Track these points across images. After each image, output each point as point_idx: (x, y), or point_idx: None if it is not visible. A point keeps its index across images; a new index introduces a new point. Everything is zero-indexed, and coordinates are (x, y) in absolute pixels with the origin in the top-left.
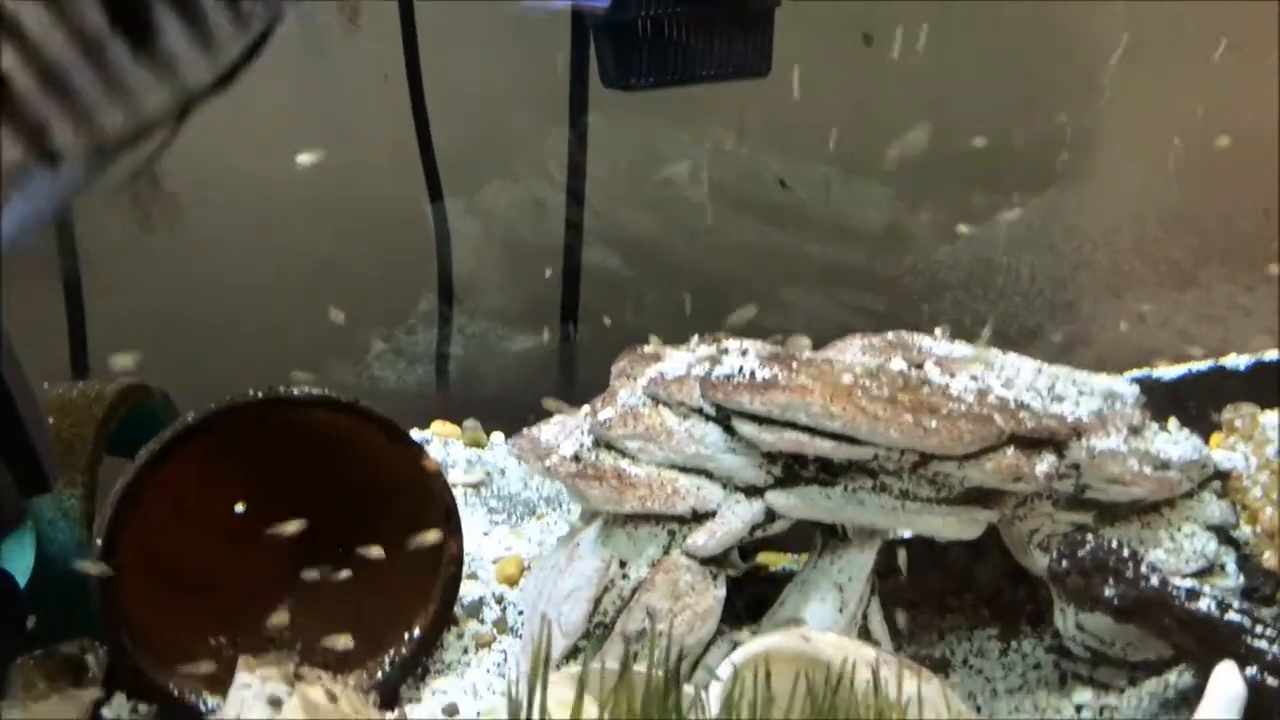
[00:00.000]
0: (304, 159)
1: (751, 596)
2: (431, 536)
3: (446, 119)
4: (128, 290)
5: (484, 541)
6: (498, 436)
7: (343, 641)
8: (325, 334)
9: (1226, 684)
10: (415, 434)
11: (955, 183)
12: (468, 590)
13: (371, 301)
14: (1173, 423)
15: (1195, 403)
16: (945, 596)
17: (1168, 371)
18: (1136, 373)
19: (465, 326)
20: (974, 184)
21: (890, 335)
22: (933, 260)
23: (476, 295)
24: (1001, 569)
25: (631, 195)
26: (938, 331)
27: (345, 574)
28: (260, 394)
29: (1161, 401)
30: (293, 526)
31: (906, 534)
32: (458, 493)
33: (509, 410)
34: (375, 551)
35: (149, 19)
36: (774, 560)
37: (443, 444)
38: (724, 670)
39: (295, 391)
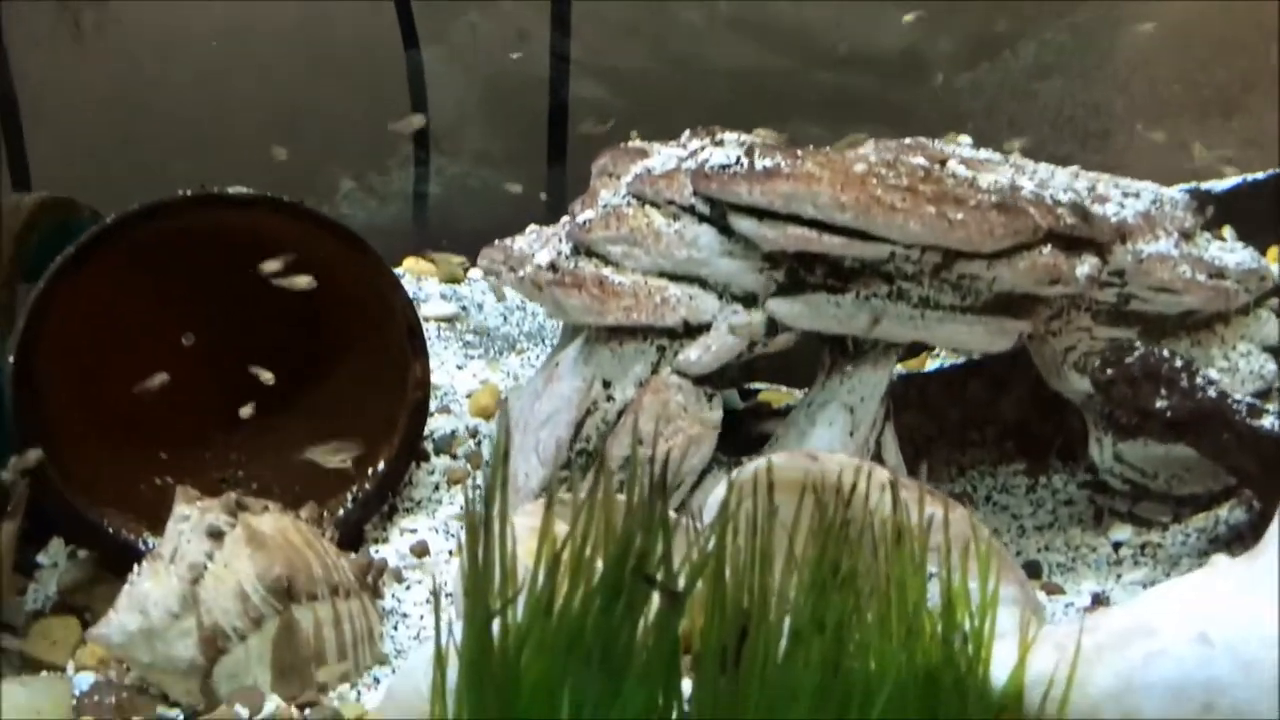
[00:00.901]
0: None
1: (752, 433)
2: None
3: None
4: (78, 124)
5: (458, 375)
6: (476, 273)
7: (336, 458)
8: (292, 173)
9: None
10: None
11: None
12: (439, 424)
13: (342, 141)
14: (1228, 230)
15: (1252, 215)
16: (966, 430)
17: (1220, 183)
18: (1183, 186)
19: (445, 168)
20: (998, 5)
21: (908, 140)
22: (953, 88)
23: (456, 137)
24: (1028, 401)
25: (623, 22)
26: (961, 138)
27: (297, 404)
28: (189, 193)
29: (1214, 215)
30: (266, 376)
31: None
32: (430, 327)
33: None
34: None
35: None
36: (777, 399)
37: (416, 280)
38: (719, 489)
39: (230, 191)
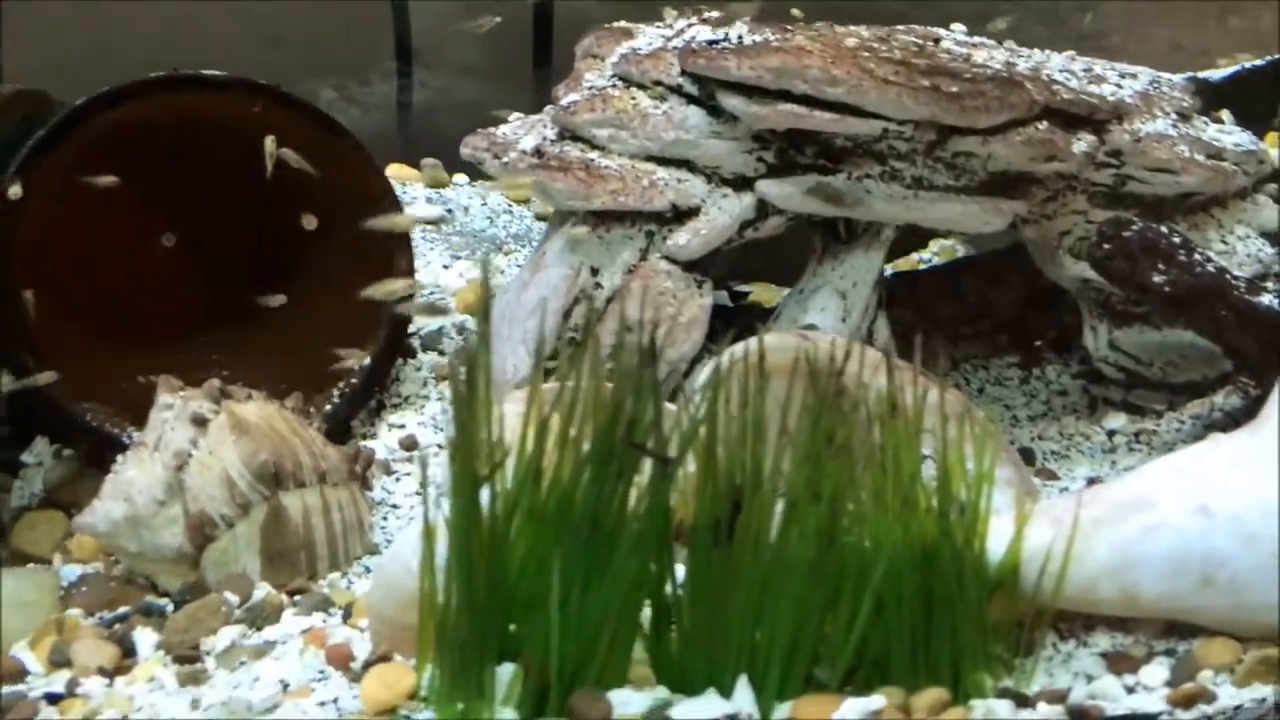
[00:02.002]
0: None
1: (744, 326)
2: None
3: None
4: (52, 24)
5: (444, 275)
6: (461, 179)
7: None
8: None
9: None
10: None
11: None
12: (426, 322)
13: (323, 52)
14: (1225, 114)
15: (1250, 103)
16: (959, 324)
17: (1217, 71)
18: (1181, 75)
19: (427, 80)
20: None
21: (900, 27)
22: None
23: (438, 48)
24: (1021, 295)
25: None
26: (955, 26)
27: (278, 299)
28: (160, 75)
29: (1211, 103)
30: (277, 299)
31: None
32: (417, 230)
33: None
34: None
35: None
36: (767, 299)
37: (401, 186)
38: (709, 365)
39: (202, 72)
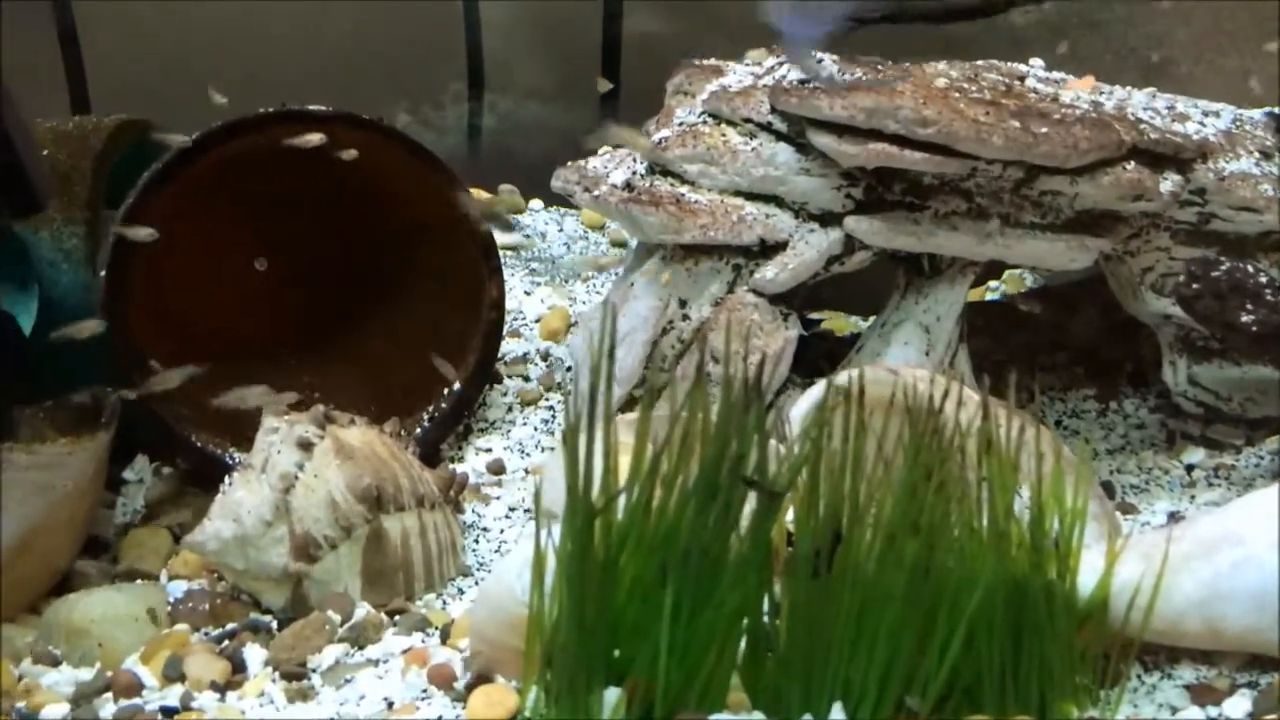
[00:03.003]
0: None
1: (822, 352)
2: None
3: None
4: (132, 56)
5: (526, 301)
6: (537, 204)
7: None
8: (349, 106)
9: None
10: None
11: None
12: (511, 348)
13: (398, 76)
14: None
15: None
16: (1036, 355)
17: None
18: (1263, 110)
19: (496, 103)
20: None
21: (981, 63)
22: (1009, 20)
23: (508, 73)
24: (1098, 326)
25: None
26: (1033, 61)
27: (373, 324)
28: (270, 110)
29: None
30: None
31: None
32: None
33: (548, 181)
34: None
35: None
36: (840, 327)
37: None
38: (808, 397)
39: (309, 108)
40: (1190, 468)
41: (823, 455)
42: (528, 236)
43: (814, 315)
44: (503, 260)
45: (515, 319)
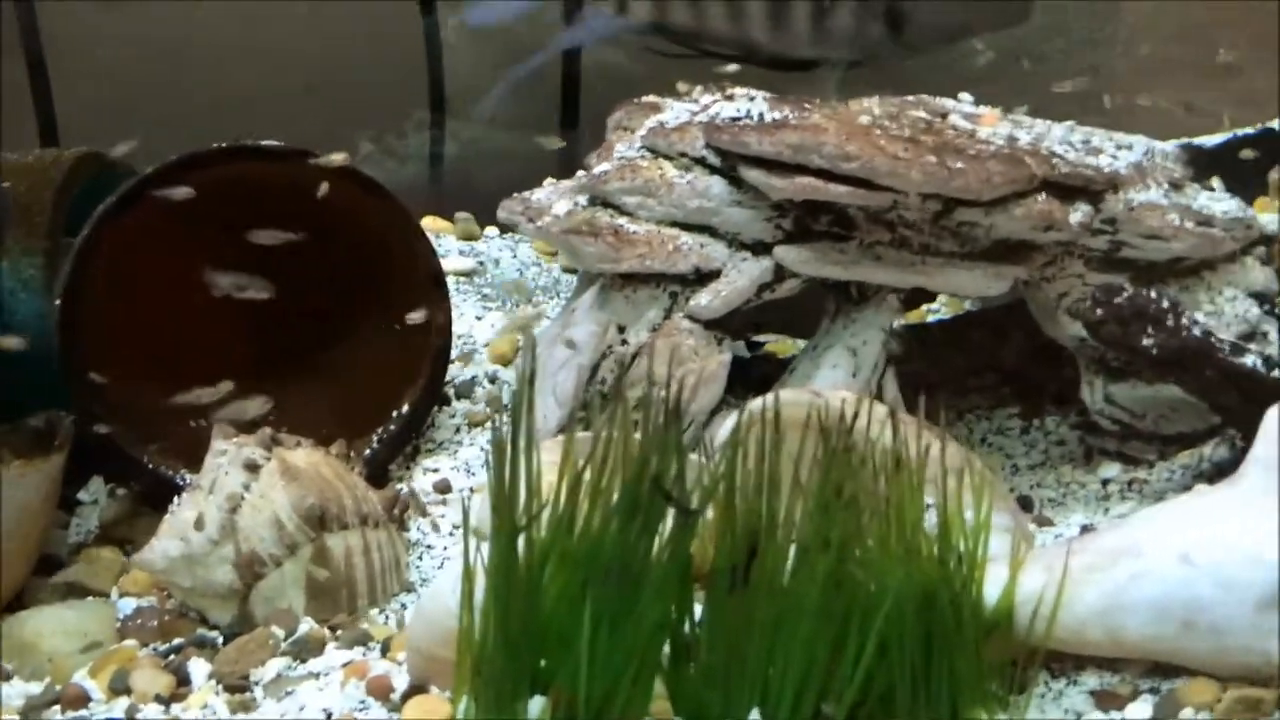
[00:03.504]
0: None
1: (760, 376)
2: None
3: None
4: (104, 85)
5: (477, 326)
6: (492, 231)
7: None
8: (313, 135)
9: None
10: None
11: None
12: (460, 371)
13: (362, 105)
14: (1216, 181)
15: (1242, 169)
16: (966, 377)
17: (1211, 138)
18: (1176, 142)
19: (459, 132)
20: None
21: (910, 97)
22: (954, 54)
23: (471, 101)
24: (1025, 349)
25: None
26: (962, 96)
27: (326, 351)
28: (224, 145)
29: (1205, 168)
30: (261, 291)
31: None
32: (450, 281)
33: None
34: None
35: None
36: (783, 350)
37: (434, 238)
38: (730, 419)
39: (264, 142)
40: (1106, 482)
41: (738, 474)
42: (481, 263)
43: (759, 338)
44: (456, 286)
45: (466, 343)
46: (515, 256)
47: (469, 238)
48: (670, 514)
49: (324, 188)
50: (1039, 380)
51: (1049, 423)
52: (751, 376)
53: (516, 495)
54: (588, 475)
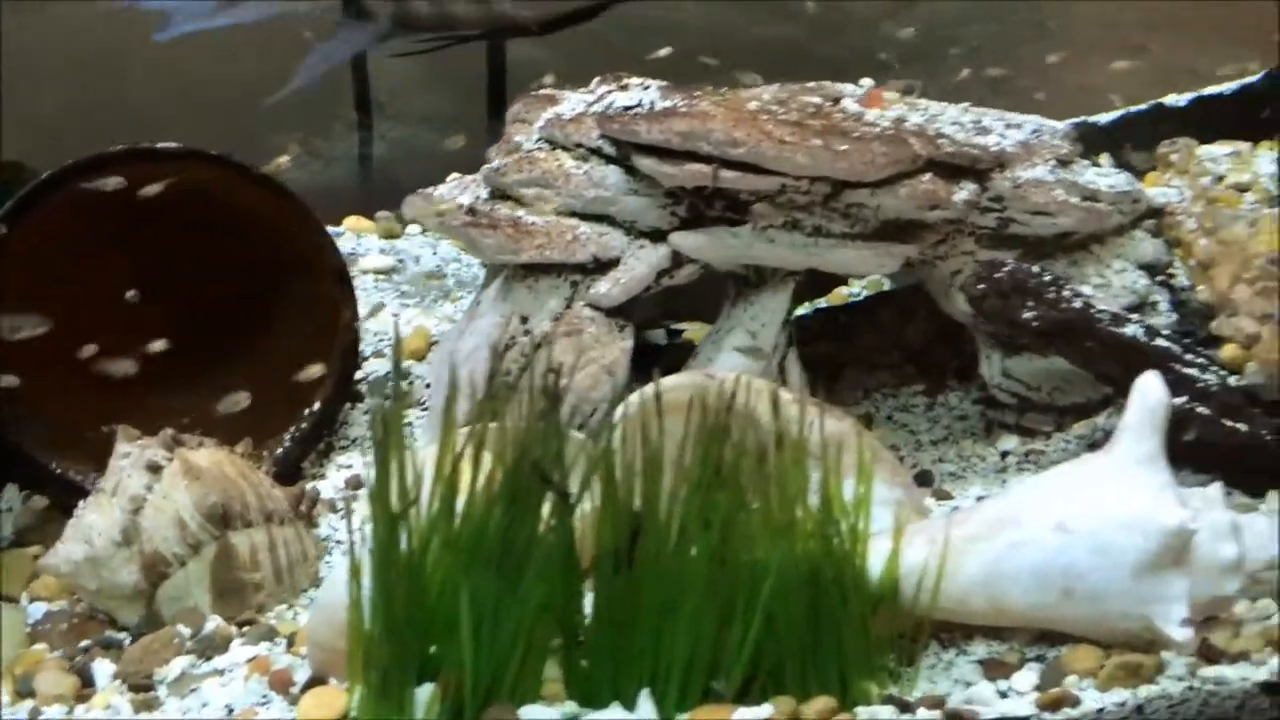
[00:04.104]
0: None
1: (670, 362)
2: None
3: None
4: (42, 98)
5: (393, 323)
6: (414, 229)
7: (240, 401)
8: (239, 138)
9: (1148, 390)
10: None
11: None
12: (374, 367)
13: (287, 107)
14: (1105, 158)
15: (1133, 144)
16: (874, 356)
17: (1105, 116)
18: (1072, 120)
19: (387, 132)
20: None
21: (811, 84)
22: (875, 37)
23: (398, 100)
24: (930, 328)
25: None
26: (863, 81)
27: (235, 351)
28: (123, 147)
29: (1099, 145)
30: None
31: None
32: (369, 279)
33: None
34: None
35: None
36: (699, 336)
37: (355, 237)
38: (621, 409)
39: (160, 145)
40: (1005, 454)
41: (619, 458)
42: (401, 260)
43: (677, 326)
44: (376, 284)
45: (380, 341)
46: (436, 253)
47: (390, 236)
48: (550, 498)
49: (155, 188)
50: (942, 357)
51: (952, 398)
52: (666, 364)
53: (392, 483)
54: (467, 462)
